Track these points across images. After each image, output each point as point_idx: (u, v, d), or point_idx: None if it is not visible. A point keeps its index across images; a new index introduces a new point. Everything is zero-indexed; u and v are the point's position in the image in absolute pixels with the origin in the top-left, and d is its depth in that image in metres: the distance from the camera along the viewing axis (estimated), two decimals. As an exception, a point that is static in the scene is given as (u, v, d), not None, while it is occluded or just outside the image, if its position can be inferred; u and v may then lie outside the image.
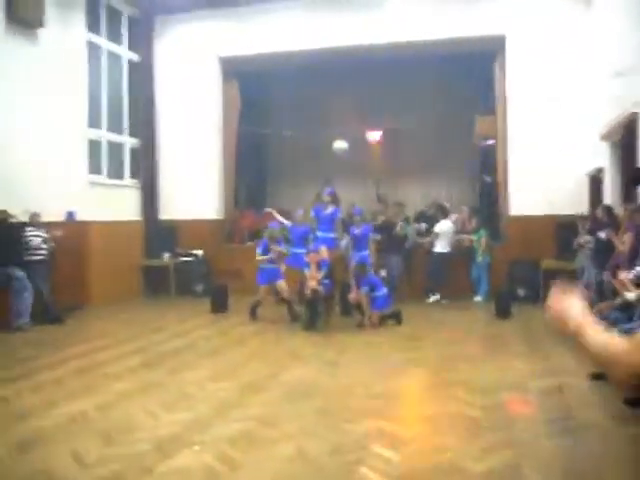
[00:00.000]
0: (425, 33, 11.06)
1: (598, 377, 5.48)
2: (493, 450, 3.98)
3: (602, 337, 1.44)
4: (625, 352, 1.35)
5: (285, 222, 9.77)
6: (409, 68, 12.50)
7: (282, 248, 8.96)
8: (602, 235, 7.30)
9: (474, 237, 10.54)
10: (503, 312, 8.90)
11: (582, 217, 9.23)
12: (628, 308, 4.93)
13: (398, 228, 10.39)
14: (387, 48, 11.42)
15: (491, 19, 10.83)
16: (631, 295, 4.73)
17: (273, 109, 15.02)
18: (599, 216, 7.84)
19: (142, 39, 12.19)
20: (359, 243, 9.03)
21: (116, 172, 11.72)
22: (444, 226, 10.48)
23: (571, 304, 1.59)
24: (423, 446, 4.09)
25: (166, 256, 11.68)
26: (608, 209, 7.82)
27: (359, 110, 13.42)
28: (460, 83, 12.84)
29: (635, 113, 7.24)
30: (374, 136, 14.10)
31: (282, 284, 8.87)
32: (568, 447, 4.08)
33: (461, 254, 10.58)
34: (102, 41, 11.27)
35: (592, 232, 7.98)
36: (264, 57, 12.02)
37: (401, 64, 12.31)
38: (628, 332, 4.77)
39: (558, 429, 4.38)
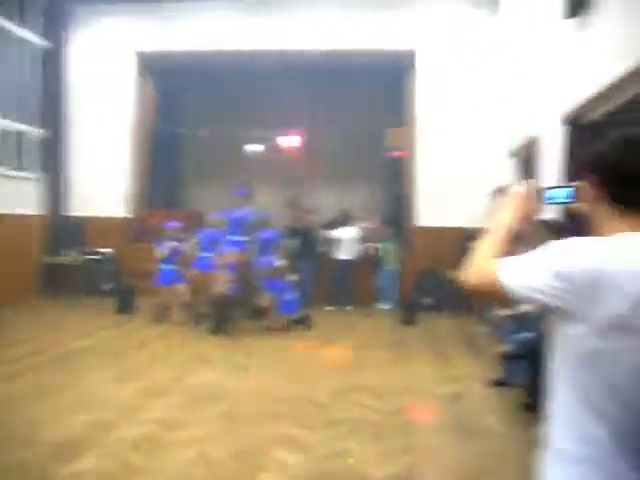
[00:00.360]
0: (340, 43, 11.18)
1: (499, 384, 5.74)
2: (394, 455, 4.10)
3: (488, 248, 1.56)
4: (482, 269, 1.47)
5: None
6: (328, 76, 12.63)
7: (180, 246, 8.89)
8: None
9: (379, 245, 10.76)
10: (409, 320, 9.17)
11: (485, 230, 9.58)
12: (522, 319, 5.16)
13: (320, 234, 10.56)
14: (303, 54, 11.43)
15: (401, 34, 11.06)
16: (526, 306, 4.95)
17: (190, 108, 14.80)
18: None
19: (57, 27, 11.65)
20: (268, 247, 9.01)
21: (18, 163, 11.09)
22: (348, 233, 10.64)
23: (510, 207, 1.66)
24: (326, 451, 4.16)
25: (72, 254, 11.25)
26: None
27: (277, 114, 13.42)
28: (376, 94, 13.11)
29: (534, 137, 7.54)
30: (292, 141, 14.16)
31: (181, 287, 8.77)
32: (468, 452, 4.24)
33: (366, 262, 10.78)
34: (12, 26, 10.71)
35: None
36: (182, 55, 11.79)
37: (319, 71, 12.41)
38: (518, 342, 5.03)
39: (459, 434, 4.55)
